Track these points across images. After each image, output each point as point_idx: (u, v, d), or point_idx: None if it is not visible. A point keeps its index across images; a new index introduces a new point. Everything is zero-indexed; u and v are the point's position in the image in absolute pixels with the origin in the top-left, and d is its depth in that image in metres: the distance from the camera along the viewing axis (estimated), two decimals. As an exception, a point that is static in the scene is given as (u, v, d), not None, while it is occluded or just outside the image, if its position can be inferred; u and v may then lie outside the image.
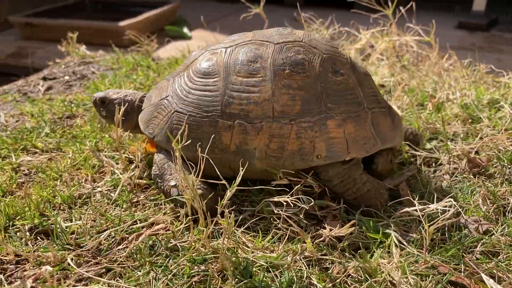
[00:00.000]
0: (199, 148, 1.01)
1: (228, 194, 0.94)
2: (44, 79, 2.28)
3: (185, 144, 0.99)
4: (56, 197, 1.20)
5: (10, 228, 1.09)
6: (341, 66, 1.16)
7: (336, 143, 1.10)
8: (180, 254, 0.99)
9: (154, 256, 0.99)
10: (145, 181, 1.27)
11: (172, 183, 1.11)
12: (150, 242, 1.02)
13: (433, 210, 0.96)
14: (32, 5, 4.34)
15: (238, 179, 0.94)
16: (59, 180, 1.29)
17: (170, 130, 1.15)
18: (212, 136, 1.10)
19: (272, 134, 1.09)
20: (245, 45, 1.18)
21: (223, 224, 0.93)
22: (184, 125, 1.09)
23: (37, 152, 1.46)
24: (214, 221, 0.98)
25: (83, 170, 1.33)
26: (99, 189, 1.24)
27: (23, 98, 2.00)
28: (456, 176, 1.30)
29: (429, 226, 0.93)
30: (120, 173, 1.28)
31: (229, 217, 0.92)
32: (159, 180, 1.15)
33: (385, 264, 0.95)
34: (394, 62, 2.22)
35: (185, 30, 4.01)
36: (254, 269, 0.95)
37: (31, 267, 0.97)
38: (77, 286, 0.91)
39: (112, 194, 1.22)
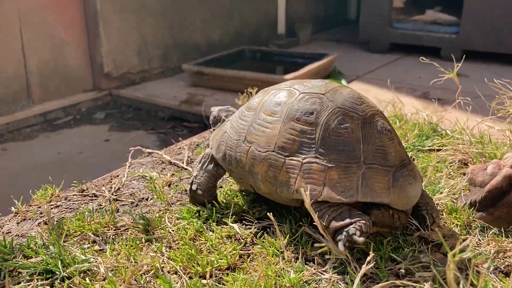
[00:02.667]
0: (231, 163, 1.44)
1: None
2: (230, 133, 2.36)
3: (222, 157, 1.46)
4: (282, 278, 1.17)
5: (248, 311, 1.08)
6: (349, 120, 1.32)
7: (313, 184, 1.26)
8: None
9: None
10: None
11: (193, 177, 1.53)
12: None
13: None
14: (198, 52, 4.66)
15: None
16: (280, 257, 1.27)
17: (218, 145, 1.51)
18: (237, 155, 1.43)
19: (270, 164, 1.34)
20: (283, 90, 1.44)
21: None
22: (226, 143, 1.48)
23: (249, 219, 1.47)
24: None
25: (299, 245, 1.30)
26: (325, 275, 1.19)
27: (216, 154, 2.08)
28: None
29: None
30: (347, 258, 1.22)
31: None
32: (196, 166, 1.56)
33: None
34: None
35: (344, 82, 3.99)
36: None
37: None
38: None
39: (341, 284, 1.16)
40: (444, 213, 1.50)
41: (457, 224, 1.43)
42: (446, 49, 4.87)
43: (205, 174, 1.52)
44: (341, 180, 1.26)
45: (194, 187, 1.51)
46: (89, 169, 2.75)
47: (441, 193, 1.59)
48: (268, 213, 1.28)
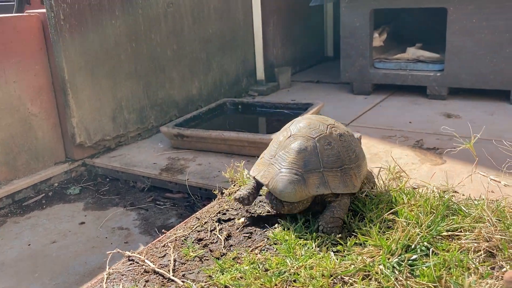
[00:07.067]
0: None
1: None
2: (219, 221, 2.10)
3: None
4: None
5: None
6: (285, 135, 2.04)
7: (254, 165, 2.14)
8: None
9: None
10: None
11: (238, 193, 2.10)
12: None
13: None
14: (176, 108, 4.43)
15: None
16: None
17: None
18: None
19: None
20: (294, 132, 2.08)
21: None
22: None
23: None
24: None
25: None
26: None
27: (206, 254, 1.82)
28: None
29: None
30: None
31: None
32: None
33: None
34: None
35: (332, 134, 3.79)
36: None
37: None
38: None
39: None
40: (485, 334, 1.26)
41: None
42: (432, 88, 4.73)
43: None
44: (259, 165, 2.06)
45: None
46: (63, 265, 2.45)
47: (477, 304, 1.35)
48: None
